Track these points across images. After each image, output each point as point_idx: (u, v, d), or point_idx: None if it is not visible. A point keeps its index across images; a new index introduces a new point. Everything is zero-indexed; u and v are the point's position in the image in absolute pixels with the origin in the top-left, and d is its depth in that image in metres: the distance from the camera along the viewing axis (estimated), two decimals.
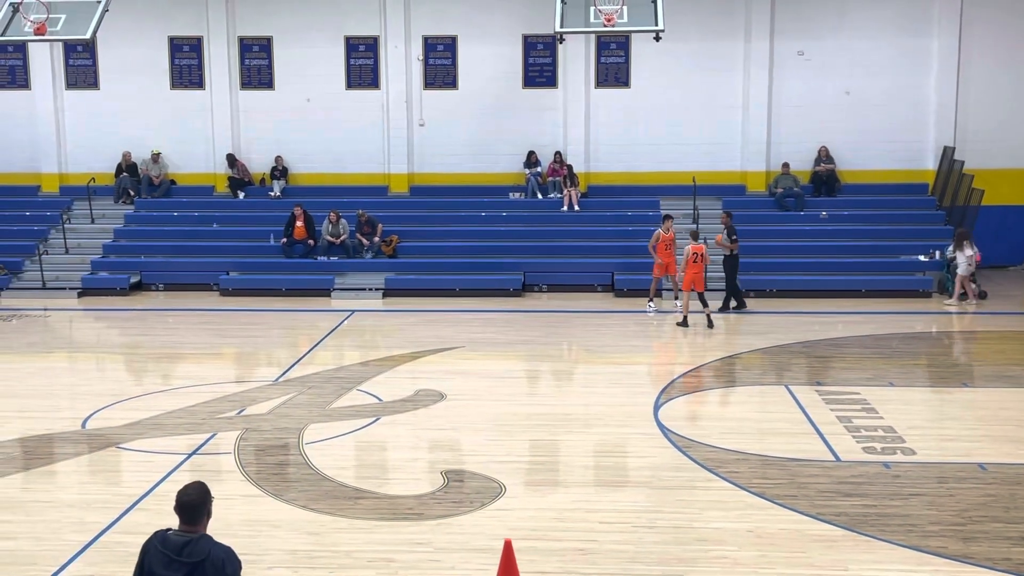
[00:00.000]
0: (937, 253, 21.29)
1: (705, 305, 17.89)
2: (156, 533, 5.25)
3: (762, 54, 23.74)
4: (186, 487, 5.28)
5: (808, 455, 10.84)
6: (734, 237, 19.12)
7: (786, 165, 23.77)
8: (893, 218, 22.82)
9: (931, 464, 10.57)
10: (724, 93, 24.07)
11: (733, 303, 19.30)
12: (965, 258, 20.01)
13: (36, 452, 11.30)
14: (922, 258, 21.26)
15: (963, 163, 22.58)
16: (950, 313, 19.53)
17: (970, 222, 21.61)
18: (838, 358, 15.66)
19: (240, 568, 5.21)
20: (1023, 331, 17.91)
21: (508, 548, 7.19)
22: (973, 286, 20.37)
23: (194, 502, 5.20)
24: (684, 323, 17.80)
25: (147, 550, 5.22)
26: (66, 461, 11.13)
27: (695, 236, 18.72)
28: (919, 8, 23.50)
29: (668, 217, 19.93)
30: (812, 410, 12.52)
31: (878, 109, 23.82)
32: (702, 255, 17.92)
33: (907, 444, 11.15)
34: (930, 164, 23.94)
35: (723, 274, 19.52)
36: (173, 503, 5.23)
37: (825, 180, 23.73)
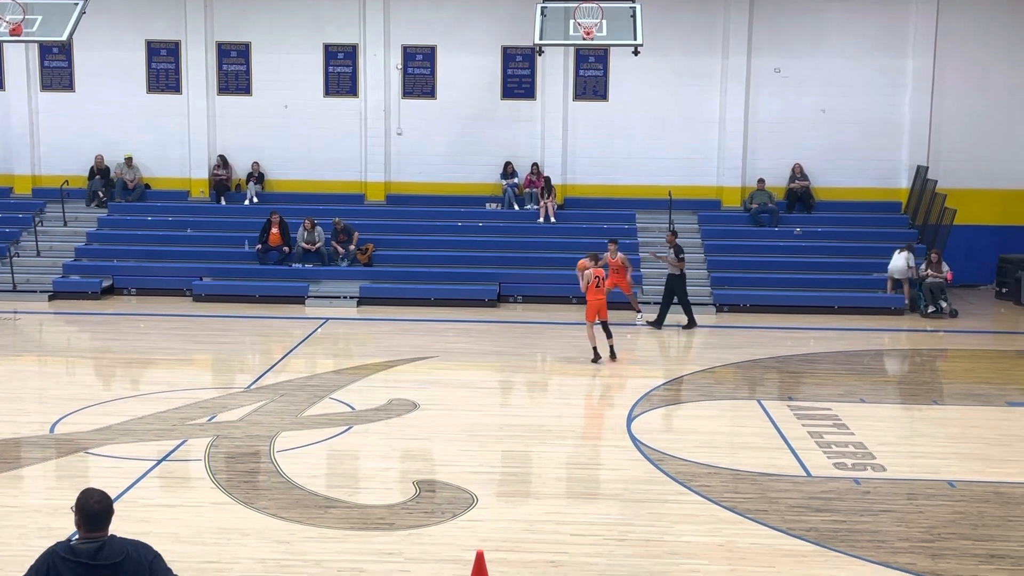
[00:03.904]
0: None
1: (609, 336, 16.13)
2: (55, 547, 5.01)
3: (739, 70, 23.90)
4: (90, 495, 5.07)
5: (779, 470, 10.89)
6: (681, 256, 19.03)
7: (761, 181, 23.92)
8: (866, 235, 23.00)
9: (901, 481, 10.63)
10: (701, 108, 24.22)
11: (683, 319, 19.04)
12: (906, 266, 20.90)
13: (3, 456, 11.15)
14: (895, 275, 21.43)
15: (936, 182, 22.81)
16: (923, 331, 19.68)
17: (942, 241, 21.83)
18: (810, 374, 15.74)
19: (159, 553, 5.12)
20: (993, 350, 18.10)
21: (480, 560, 7.16)
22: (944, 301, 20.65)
23: (104, 509, 5.03)
24: (596, 358, 15.95)
25: (51, 565, 4.96)
26: (33, 466, 11.00)
27: (595, 259, 16.41)
28: (895, 28, 23.75)
29: (612, 241, 19.30)
30: (784, 425, 12.58)
31: (853, 127, 24.04)
32: (602, 279, 16.10)
33: (877, 460, 11.22)
34: (904, 183, 24.17)
35: (663, 292, 19.17)
36: (77, 515, 5.02)
37: (800, 197, 23.90)
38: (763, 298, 21.13)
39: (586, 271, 16.17)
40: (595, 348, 16.02)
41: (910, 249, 21.09)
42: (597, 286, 15.95)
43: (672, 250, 19.07)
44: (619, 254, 19.02)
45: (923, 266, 21.04)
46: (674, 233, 19.62)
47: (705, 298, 21.12)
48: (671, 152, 24.29)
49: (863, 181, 24.19)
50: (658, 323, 19.04)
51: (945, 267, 21.02)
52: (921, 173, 23.50)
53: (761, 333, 18.84)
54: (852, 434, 12.23)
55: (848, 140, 24.05)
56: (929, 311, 20.67)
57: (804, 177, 24.00)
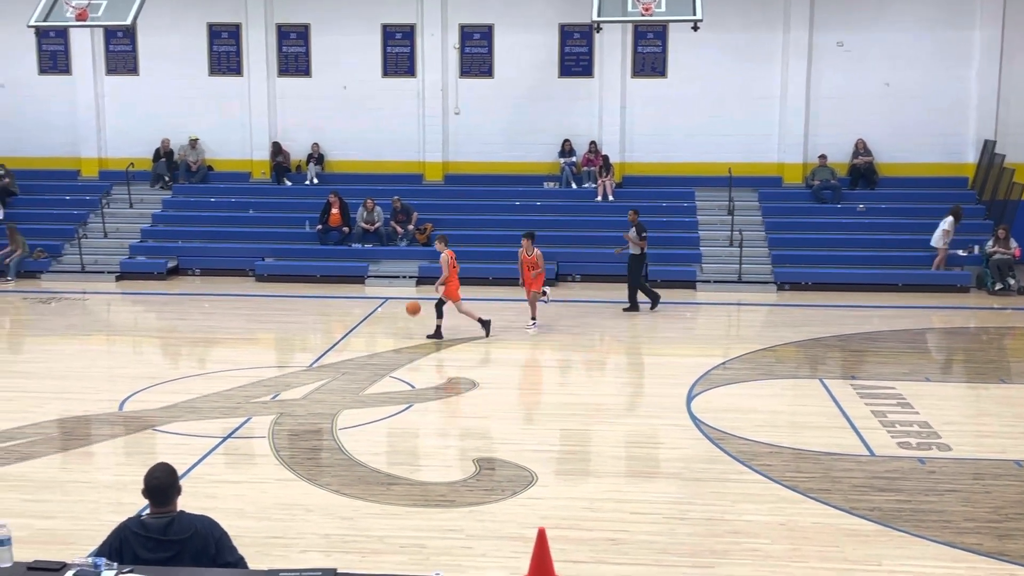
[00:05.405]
0: (976, 248, 21.06)
1: (440, 316, 16.12)
2: (128, 521, 5.18)
3: (801, 45, 23.53)
4: (152, 470, 5.22)
5: (842, 449, 10.78)
6: (644, 235, 18.53)
7: (823, 157, 23.56)
8: (932, 212, 22.47)
9: (967, 460, 10.47)
10: (762, 84, 23.89)
11: (638, 301, 18.52)
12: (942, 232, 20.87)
13: (74, 433, 11.46)
14: (961, 252, 21.03)
15: (1004, 157, 22.28)
16: (990, 308, 19.29)
17: (1010, 217, 21.36)
18: (873, 352, 15.53)
19: (225, 531, 5.23)
20: None
21: (542, 537, 7.18)
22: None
23: (163, 484, 5.17)
24: (437, 335, 16.03)
25: (123, 539, 5.13)
26: (103, 442, 11.28)
27: (445, 241, 16.47)
28: None
29: (526, 236, 17.52)
30: (846, 404, 12.44)
31: (918, 101, 23.53)
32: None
33: (943, 440, 11.05)
34: (970, 158, 23.65)
35: (627, 273, 18.64)
36: (142, 488, 5.18)
37: (863, 173, 23.52)
38: (825, 276, 20.84)
39: (443, 253, 16.19)
40: (481, 320, 16.34)
41: (954, 214, 20.66)
42: (454, 266, 16.24)
43: (634, 228, 18.59)
44: (535, 250, 17.14)
45: (990, 243, 20.62)
46: (636, 211, 19.19)
47: (766, 276, 20.92)
48: (731, 129, 24.00)
49: (928, 156, 23.70)
50: (652, 304, 18.49)
51: (1013, 243, 20.56)
52: (988, 147, 22.97)
53: (823, 311, 18.62)
54: (917, 413, 12.06)
55: (913, 114, 23.56)
56: (996, 288, 20.25)
57: (867, 153, 23.60)
